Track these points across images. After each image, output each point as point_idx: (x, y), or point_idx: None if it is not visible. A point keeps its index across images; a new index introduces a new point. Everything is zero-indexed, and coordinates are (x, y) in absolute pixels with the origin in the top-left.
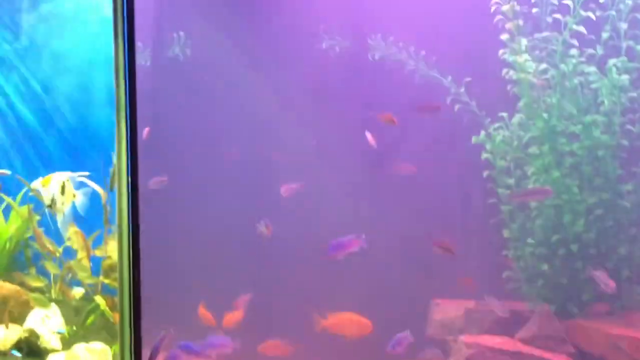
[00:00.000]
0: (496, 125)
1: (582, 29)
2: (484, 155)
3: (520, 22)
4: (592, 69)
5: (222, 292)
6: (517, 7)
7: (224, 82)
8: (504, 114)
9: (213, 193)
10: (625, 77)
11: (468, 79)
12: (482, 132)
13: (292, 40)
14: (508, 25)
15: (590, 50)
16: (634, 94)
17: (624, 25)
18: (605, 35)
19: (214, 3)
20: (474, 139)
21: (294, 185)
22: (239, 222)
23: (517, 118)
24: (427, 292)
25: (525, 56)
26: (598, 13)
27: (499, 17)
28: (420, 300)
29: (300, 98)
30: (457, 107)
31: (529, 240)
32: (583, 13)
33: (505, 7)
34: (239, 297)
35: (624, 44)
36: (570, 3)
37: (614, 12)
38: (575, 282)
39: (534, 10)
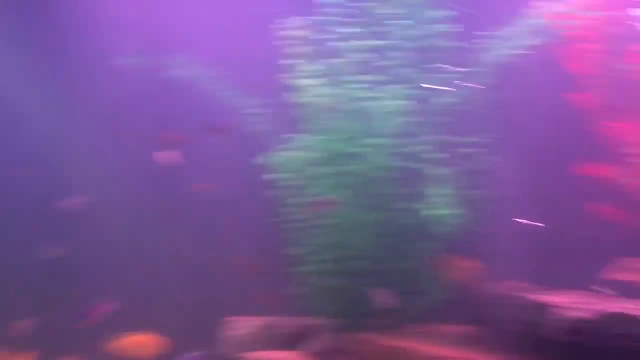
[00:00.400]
0: (286, 145)
1: (364, 55)
2: (275, 175)
3: (308, 47)
4: (371, 94)
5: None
6: (305, 33)
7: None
8: (293, 135)
9: None
10: (399, 103)
11: (261, 100)
12: (272, 152)
13: (90, 55)
14: (296, 50)
15: (370, 77)
16: (407, 119)
17: (399, 54)
18: (383, 62)
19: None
20: (263, 159)
21: (78, 201)
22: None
23: (303, 140)
24: (221, 310)
25: (311, 80)
26: (378, 42)
27: (289, 41)
28: (214, 318)
29: (96, 115)
30: (250, 127)
31: (318, 257)
32: (363, 42)
33: (294, 33)
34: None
35: (399, 71)
36: (353, 30)
37: (391, 42)
38: (361, 297)
39: (321, 36)
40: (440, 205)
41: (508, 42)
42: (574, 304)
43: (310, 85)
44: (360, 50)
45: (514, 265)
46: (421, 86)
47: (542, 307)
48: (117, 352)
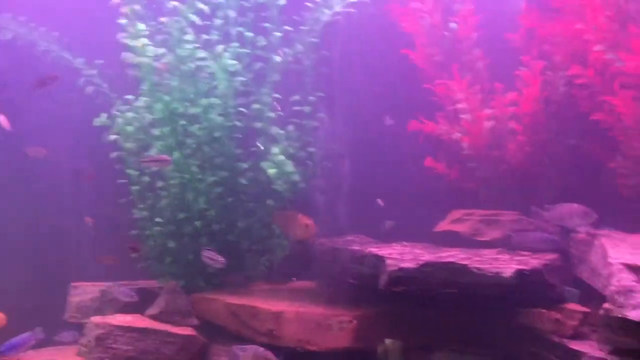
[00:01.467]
0: (124, 107)
1: (196, 17)
2: (113, 137)
3: (137, 6)
4: (207, 54)
5: None
6: None
7: None
8: (130, 97)
9: None
10: (236, 62)
11: (100, 61)
12: (107, 114)
13: None
14: (124, 10)
15: (205, 36)
16: (245, 78)
17: (233, 13)
18: (217, 21)
19: None
20: (98, 121)
21: None
22: None
23: (141, 101)
24: (65, 276)
25: (144, 40)
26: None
27: (117, 1)
28: (59, 284)
29: None
30: (89, 88)
31: (157, 220)
32: (199, 4)
33: None
34: None
35: (235, 31)
36: None
37: (224, 0)
38: (201, 257)
39: None
40: (279, 163)
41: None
42: (403, 255)
43: (145, 45)
44: (194, 9)
45: (348, 220)
46: (255, 45)
47: (377, 259)
48: None
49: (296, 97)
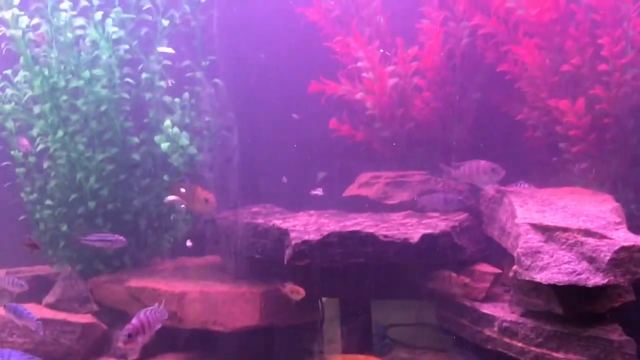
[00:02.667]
0: (1, 84)
1: None
2: None
3: None
4: (87, 21)
5: None
6: None
7: None
8: (8, 72)
9: None
10: (119, 29)
11: None
12: None
13: None
14: None
15: (84, 3)
16: (129, 46)
17: None
18: None
19: None
20: None
21: None
22: None
23: (20, 76)
24: None
25: (15, 11)
26: None
27: None
28: None
29: None
30: None
31: (48, 202)
32: None
33: None
34: None
35: None
36: None
37: None
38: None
39: None
40: (173, 136)
41: None
42: (307, 227)
43: (17, 15)
44: None
45: (250, 192)
46: (140, 9)
47: (281, 232)
48: None
49: (187, 63)
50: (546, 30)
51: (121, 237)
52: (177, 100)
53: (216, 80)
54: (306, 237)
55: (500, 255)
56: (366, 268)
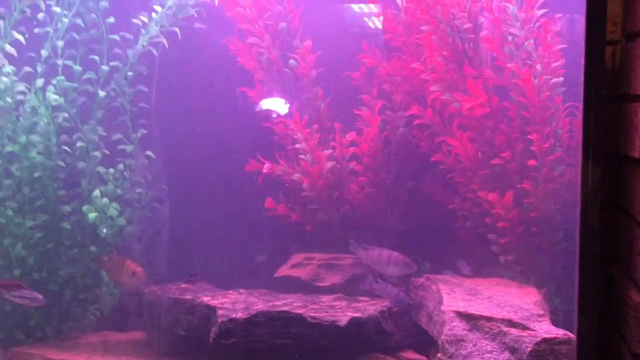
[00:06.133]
0: None
1: (12, 49)
2: None
3: None
4: (27, 87)
5: None
6: None
7: None
8: None
9: None
10: (59, 97)
11: None
12: None
13: None
14: None
15: (27, 68)
16: (69, 115)
17: (60, 44)
18: (44, 53)
19: None
20: None
21: None
22: None
23: None
24: None
25: None
26: (37, 30)
27: None
28: None
29: None
30: None
31: None
32: (16, 34)
33: None
34: None
35: (61, 63)
36: (4, 23)
37: (51, 30)
38: (21, 307)
39: None
40: (104, 206)
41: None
42: (236, 305)
43: None
44: (12, 40)
45: (179, 267)
46: (82, 79)
47: (208, 309)
48: None
49: (118, 136)
50: (479, 124)
51: (40, 296)
52: (110, 170)
53: (148, 152)
54: (233, 315)
55: (427, 343)
56: (292, 349)
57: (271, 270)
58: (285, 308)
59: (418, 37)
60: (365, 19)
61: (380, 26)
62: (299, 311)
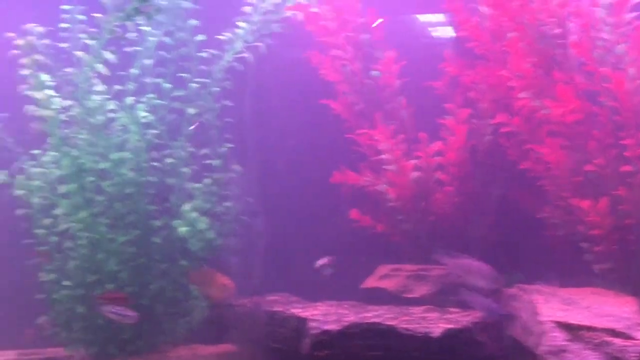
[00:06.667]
0: (30, 162)
1: (103, 67)
2: (19, 193)
3: (39, 57)
4: (118, 105)
5: None
6: (36, 41)
7: None
8: (37, 152)
9: None
10: (149, 114)
11: (4, 114)
12: (16, 169)
13: None
14: (25, 60)
15: (118, 87)
16: (159, 131)
17: (149, 62)
18: (134, 71)
19: None
20: (6, 176)
21: None
22: None
23: (49, 156)
24: None
25: (49, 92)
26: (128, 49)
27: (26, 50)
28: None
29: None
30: None
31: (66, 283)
32: (107, 53)
33: (20, 41)
34: None
35: (151, 81)
36: (97, 39)
37: (141, 49)
38: (113, 322)
39: (63, 45)
40: (194, 220)
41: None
42: (327, 316)
43: (51, 97)
44: (103, 60)
45: (269, 279)
46: (170, 96)
47: (299, 321)
48: None
49: (205, 151)
50: (570, 130)
51: (133, 313)
52: (197, 185)
53: (236, 166)
54: (326, 327)
55: (520, 355)
56: None
57: (355, 282)
58: (377, 320)
59: (504, 44)
60: (447, 27)
61: (463, 34)
62: (391, 323)
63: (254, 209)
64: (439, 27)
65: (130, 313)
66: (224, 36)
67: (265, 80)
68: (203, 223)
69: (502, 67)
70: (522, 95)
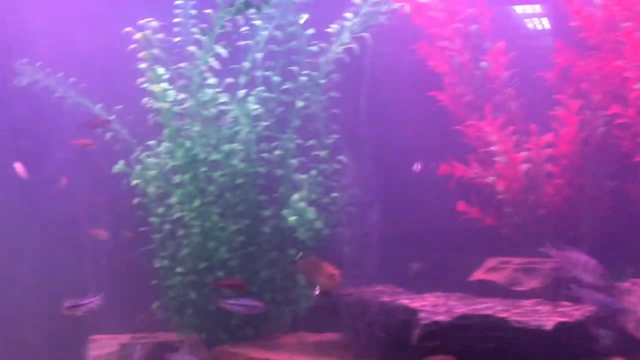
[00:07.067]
0: (145, 153)
1: (215, 61)
2: (135, 182)
3: (156, 51)
4: (230, 98)
5: None
6: (152, 35)
7: None
8: (152, 142)
9: None
10: (259, 107)
11: (119, 106)
12: (126, 161)
13: None
14: (143, 54)
15: (229, 80)
16: (268, 123)
17: (260, 56)
18: (246, 65)
19: None
20: (115, 168)
21: None
22: None
23: (162, 147)
24: (85, 328)
25: (164, 85)
26: (239, 43)
27: (143, 44)
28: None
29: None
30: (108, 134)
31: (178, 269)
32: (219, 48)
33: (138, 36)
34: None
35: (260, 74)
36: (210, 33)
37: (252, 43)
38: (223, 308)
39: (176, 39)
40: (302, 210)
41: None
42: (437, 307)
43: (166, 90)
44: (215, 54)
45: (376, 269)
46: (281, 89)
47: (409, 311)
48: None
49: (312, 142)
50: None
51: (260, 303)
52: (304, 176)
53: (341, 157)
54: (436, 318)
55: (635, 349)
56: (496, 354)
57: (461, 274)
58: (488, 312)
59: (618, 34)
60: (558, 18)
61: (574, 25)
62: (503, 315)
63: (367, 199)
64: (536, 18)
65: (257, 303)
66: (333, 28)
67: (376, 72)
68: (311, 213)
69: (617, 58)
70: (638, 86)
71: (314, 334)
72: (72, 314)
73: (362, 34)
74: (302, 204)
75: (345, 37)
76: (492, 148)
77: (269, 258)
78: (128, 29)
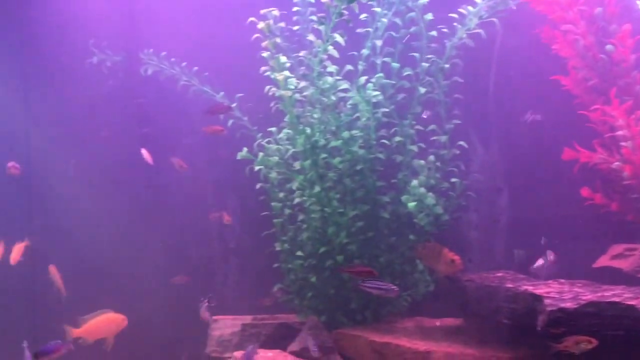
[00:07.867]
0: (266, 139)
1: (334, 50)
2: (258, 168)
3: (278, 39)
4: (349, 85)
5: None
6: (273, 25)
7: None
8: (273, 129)
9: None
10: (379, 94)
11: (240, 94)
12: (250, 147)
13: (62, 55)
14: (265, 43)
15: (349, 67)
16: (388, 110)
17: (379, 42)
18: (365, 52)
19: None
20: (239, 154)
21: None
22: None
23: (284, 133)
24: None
25: (286, 73)
26: (358, 30)
27: (265, 34)
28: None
29: (72, 113)
30: (230, 122)
31: (299, 253)
32: (337, 35)
33: (261, 25)
34: None
35: (380, 61)
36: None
37: (371, 30)
38: (342, 292)
39: (295, 28)
40: (419, 195)
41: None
42: (562, 294)
43: (287, 78)
44: (334, 41)
45: (496, 256)
46: (400, 76)
47: (534, 298)
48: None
49: (432, 127)
50: None
51: (395, 287)
52: (422, 162)
53: (461, 142)
54: (562, 305)
55: None
56: (624, 341)
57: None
58: (616, 299)
59: None
60: None
61: None
62: (632, 302)
63: (492, 185)
64: None
65: (391, 287)
66: (458, 14)
67: (501, 57)
68: (430, 198)
69: None
70: None
71: (432, 319)
72: None
73: (491, 19)
74: (422, 190)
75: (473, 22)
76: (619, 133)
77: (387, 243)
78: (252, 18)
